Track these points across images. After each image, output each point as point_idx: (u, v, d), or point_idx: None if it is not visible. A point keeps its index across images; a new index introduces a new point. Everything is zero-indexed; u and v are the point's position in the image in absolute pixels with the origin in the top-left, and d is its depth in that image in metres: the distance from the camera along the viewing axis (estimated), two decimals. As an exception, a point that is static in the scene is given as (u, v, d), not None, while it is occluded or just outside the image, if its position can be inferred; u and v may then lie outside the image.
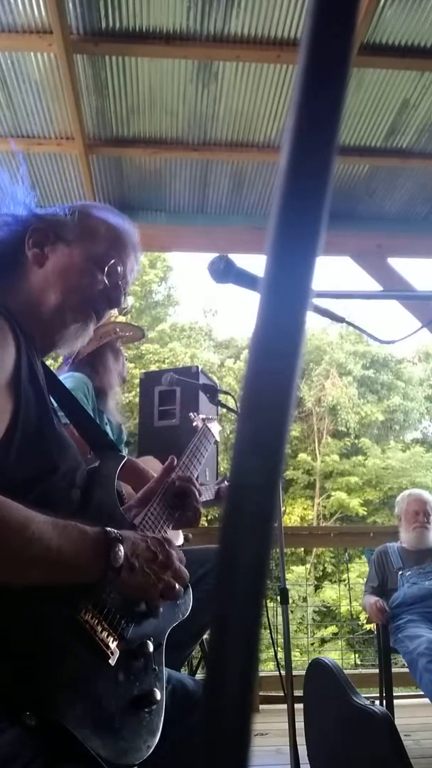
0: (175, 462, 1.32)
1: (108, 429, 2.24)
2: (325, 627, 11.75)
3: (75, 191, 3.59)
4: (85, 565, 0.83)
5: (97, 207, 1.15)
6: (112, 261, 1.11)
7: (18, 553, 0.77)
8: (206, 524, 3.47)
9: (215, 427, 1.64)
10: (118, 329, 2.37)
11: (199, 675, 2.52)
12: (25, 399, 0.91)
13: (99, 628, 0.85)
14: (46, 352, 1.10)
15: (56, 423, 0.98)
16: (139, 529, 1.07)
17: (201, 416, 1.61)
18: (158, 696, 0.88)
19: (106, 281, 1.10)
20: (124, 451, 2.26)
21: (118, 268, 1.12)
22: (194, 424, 1.76)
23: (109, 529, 0.88)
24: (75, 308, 1.07)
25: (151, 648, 0.93)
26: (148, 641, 0.93)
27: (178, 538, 2.55)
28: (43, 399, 0.96)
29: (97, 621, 0.85)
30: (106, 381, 2.24)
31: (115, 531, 0.88)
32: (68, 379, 2.11)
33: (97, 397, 2.17)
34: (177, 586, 0.95)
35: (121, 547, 0.87)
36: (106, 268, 1.10)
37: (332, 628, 11.25)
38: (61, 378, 2.12)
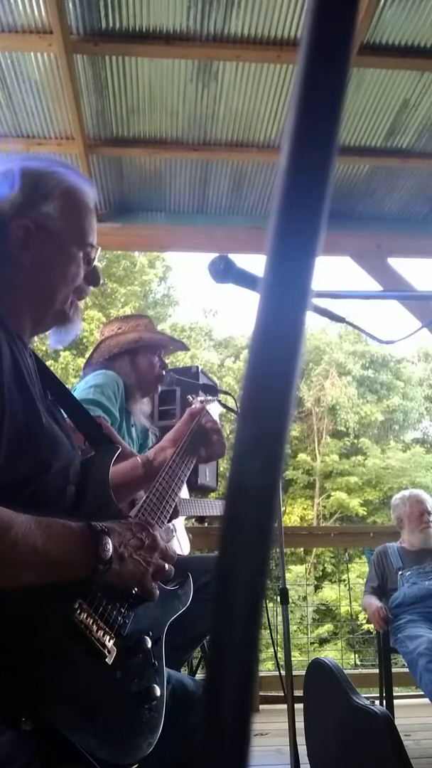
0: (197, 407, 1.49)
1: (133, 431, 2.23)
2: (325, 627, 11.74)
3: (75, 191, 3.58)
4: (74, 561, 0.83)
5: (65, 175, 1.11)
6: (92, 246, 1.11)
7: (3, 557, 0.77)
8: (206, 525, 3.47)
9: (214, 408, 1.64)
10: (167, 340, 2.38)
11: (199, 675, 2.52)
12: (9, 398, 0.90)
13: (95, 628, 0.84)
14: (38, 332, 1.12)
15: (45, 420, 0.97)
16: (150, 495, 1.16)
17: (199, 398, 1.61)
18: (158, 692, 0.87)
19: (86, 266, 1.11)
20: None
21: (95, 249, 1.13)
22: (193, 406, 1.75)
23: (93, 523, 0.87)
24: (60, 304, 1.08)
25: (149, 643, 0.92)
26: (146, 636, 0.92)
27: (186, 545, 2.55)
28: (29, 396, 0.95)
29: (92, 620, 0.84)
30: (142, 385, 2.24)
31: (100, 524, 0.88)
32: (99, 375, 2.10)
33: (126, 398, 2.16)
34: (167, 566, 0.95)
35: (109, 540, 0.86)
36: (85, 253, 1.10)
37: (330, 626, 11.25)
38: (93, 374, 2.12)
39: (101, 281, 1.16)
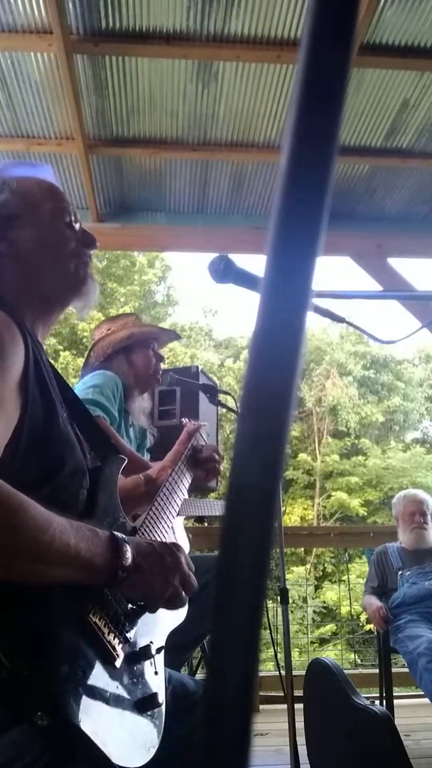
0: (192, 428, 1.54)
1: (131, 431, 2.23)
2: (325, 627, 11.74)
3: (75, 191, 3.58)
4: (99, 564, 0.84)
5: (10, 167, 1.14)
6: (66, 211, 1.11)
7: (42, 552, 0.78)
8: (206, 525, 3.47)
9: (204, 433, 1.70)
10: (158, 332, 2.39)
11: (199, 675, 2.52)
12: (32, 399, 0.91)
13: (106, 630, 0.85)
14: (56, 316, 1.13)
15: (62, 421, 0.98)
16: (152, 508, 1.19)
17: (192, 423, 1.66)
18: (160, 699, 0.88)
19: (75, 231, 1.12)
20: (146, 456, 2.25)
21: (73, 212, 1.13)
22: (189, 426, 1.78)
23: (115, 532, 0.89)
24: (67, 272, 1.09)
25: (153, 650, 0.93)
26: (150, 644, 0.93)
27: (185, 545, 2.55)
28: (49, 397, 0.96)
29: (104, 623, 0.85)
30: (140, 382, 2.24)
31: (120, 534, 0.89)
32: (98, 375, 2.10)
33: (125, 397, 2.16)
34: (183, 594, 0.94)
35: (128, 548, 0.87)
36: (66, 222, 1.10)
37: (330, 627, 11.25)
38: (92, 374, 2.12)
39: (96, 240, 1.15)
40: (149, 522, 1.17)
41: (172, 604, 0.94)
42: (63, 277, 1.09)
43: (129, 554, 0.87)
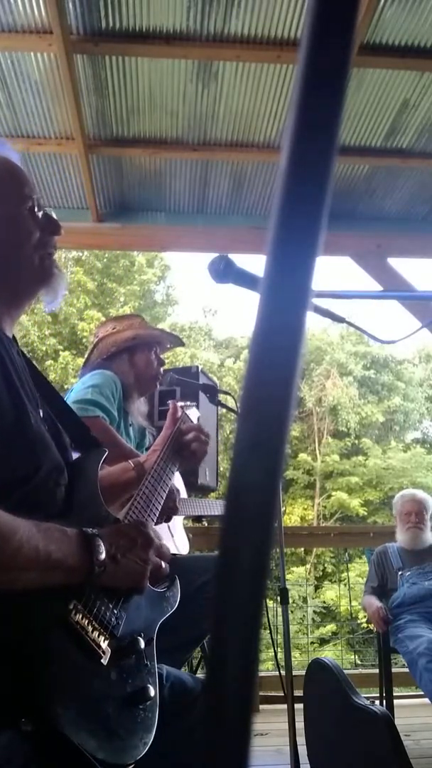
0: (179, 413, 1.53)
1: (131, 430, 2.23)
2: (325, 627, 11.74)
3: (75, 191, 3.59)
4: (72, 564, 0.84)
5: None
6: (29, 197, 1.07)
7: (9, 560, 0.78)
8: (206, 524, 3.47)
9: (193, 414, 1.68)
10: (162, 335, 2.38)
11: (199, 675, 2.52)
12: None
13: (90, 628, 0.84)
14: (23, 308, 1.10)
15: (34, 420, 0.97)
16: (139, 495, 1.16)
17: (180, 403, 1.64)
18: (152, 692, 0.88)
19: (37, 219, 1.07)
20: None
21: (36, 199, 1.09)
22: (174, 409, 1.76)
23: (84, 529, 0.89)
24: (32, 265, 1.06)
25: (142, 644, 0.92)
26: (139, 637, 0.93)
27: (185, 545, 2.55)
28: (18, 395, 0.95)
29: (87, 621, 0.85)
30: (140, 383, 2.24)
31: (90, 530, 0.89)
32: (97, 375, 2.10)
33: (124, 397, 2.16)
34: (163, 564, 0.96)
35: (101, 542, 0.88)
36: (29, 209, 1.06)
37: (331, 627, 11.25)
38: (91, 374, 2.12)
39: (60, 227, 1.11)
40: (136, 509, 1.16)
41: (156, 579, 0.95)
42: (27, 271, 1.06)
43: (102, 548, 0.87)
